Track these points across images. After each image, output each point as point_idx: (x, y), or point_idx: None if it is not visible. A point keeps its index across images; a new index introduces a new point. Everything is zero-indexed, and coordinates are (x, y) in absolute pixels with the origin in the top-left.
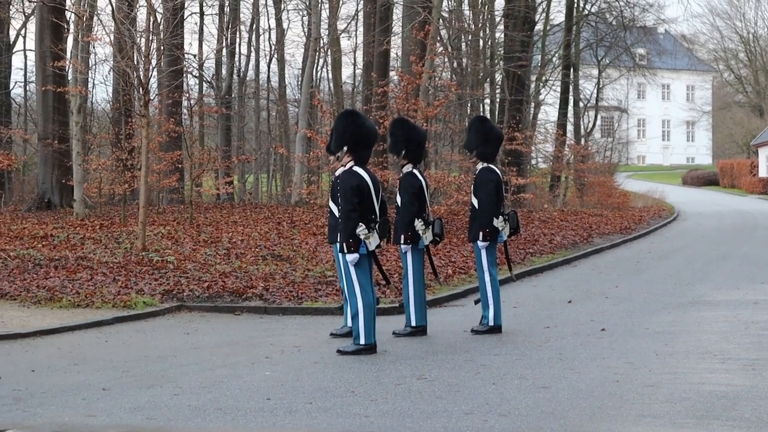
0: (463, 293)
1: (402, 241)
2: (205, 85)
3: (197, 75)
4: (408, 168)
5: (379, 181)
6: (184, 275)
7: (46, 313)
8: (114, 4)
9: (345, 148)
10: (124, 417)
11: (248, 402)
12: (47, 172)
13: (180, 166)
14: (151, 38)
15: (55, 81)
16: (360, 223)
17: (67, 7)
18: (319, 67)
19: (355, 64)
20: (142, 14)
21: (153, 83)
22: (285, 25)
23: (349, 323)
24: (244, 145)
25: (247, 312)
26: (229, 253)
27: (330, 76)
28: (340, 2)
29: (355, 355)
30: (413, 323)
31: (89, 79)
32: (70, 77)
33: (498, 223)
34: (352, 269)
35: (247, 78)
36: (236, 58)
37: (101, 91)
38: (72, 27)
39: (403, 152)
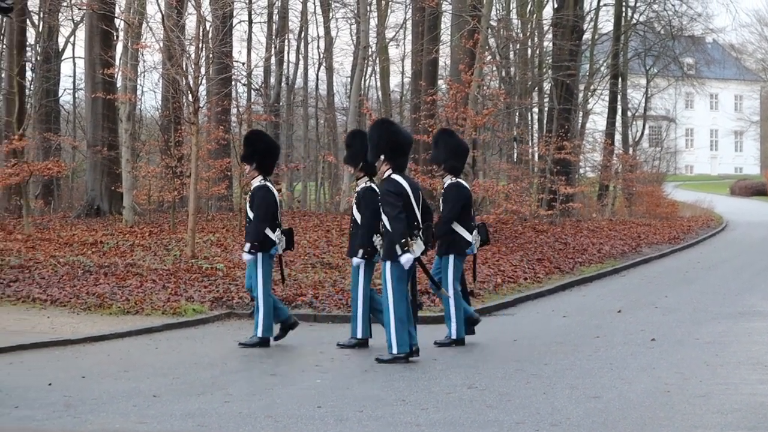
0: (513, 302)
1: (360, 256)
2: (253, 92)
3: (246, 83)
4: (365, 181)
5: (420, 188)
6: (234, 282)
7: (96, 319)
8: (163, 12)
9: (382, 157)
10: (175, 424)
11: (299, 410)
12: (96, 179)
13: (229, 173)
14: (200, 46)
15: (105, 88)
16: (394, 240)
17: (116, 15)
18: (367, 76)
19: (403, 73)
20: (191, 22)
21: (202, 91)
22: (333, 34)
23: (358, 334)
24: (292, 153)
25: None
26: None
27: (378, 84)
28: (389, 11)
29: (392, 363)
30: (358, 335)
31: (138, 86)
32: (119, 84)
33: (470, 236)
34: (389, 278)
35: (296, 86)
36: (285, 66)
37: (150, 98)
38: (121, 34)
39: (360, 164)
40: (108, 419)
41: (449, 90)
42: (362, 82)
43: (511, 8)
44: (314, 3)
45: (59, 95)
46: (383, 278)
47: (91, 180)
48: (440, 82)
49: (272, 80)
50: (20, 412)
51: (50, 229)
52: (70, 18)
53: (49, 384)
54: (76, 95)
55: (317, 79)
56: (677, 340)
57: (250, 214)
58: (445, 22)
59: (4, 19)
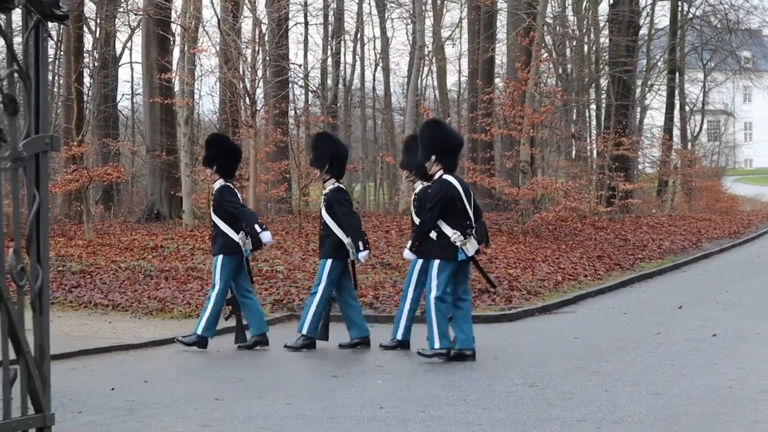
0: (573, 300)
1: (362, 248)
2: (311, 94)
3: (303, 85)
4: (332, 183)
5: (470, 187)
6: (294, 285)
7: (158, 323)
8: (220, 16)
9: (433, 158)
10: (238, 427)
11: (361, 411)
12: (156, 183)
13: (288, 175)
14: (257, 49)
15: (162, 93)
16: (455, 230)
17: (172, 20)
18: (424, 75)
19: (460, 72)
20: (247, 25)
21: (259, 94)
22: (389, 34)
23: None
24: (350, 153)
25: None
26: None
27: (435, 83)
28: (445, 10)
29: (431, 357)
30: (304, 332)
31: (196, 90)
32: (176, 89)
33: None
34: (434, 275)
35: (353, 87)
36: (341, 68)
37: (208, 102)
38: (178, 39)
39: (327, 167)
40: (171, 423)
41: (506, 88)
42: (419, 81)
43: (566, 5)
44: (370, 4)
45: (117, 101)
46: (429, 275)
47: (150, 185)
48: (497, 80)
49: (329, 82)
50: (83, 417)
51: (111, 234)
52: (127, 24)
53: (112, 389)
54: (134, 100)
55: (374, 79)
56: (739, 335)
57: (214, 218)
58: (501, 20)
59: (61, 27)
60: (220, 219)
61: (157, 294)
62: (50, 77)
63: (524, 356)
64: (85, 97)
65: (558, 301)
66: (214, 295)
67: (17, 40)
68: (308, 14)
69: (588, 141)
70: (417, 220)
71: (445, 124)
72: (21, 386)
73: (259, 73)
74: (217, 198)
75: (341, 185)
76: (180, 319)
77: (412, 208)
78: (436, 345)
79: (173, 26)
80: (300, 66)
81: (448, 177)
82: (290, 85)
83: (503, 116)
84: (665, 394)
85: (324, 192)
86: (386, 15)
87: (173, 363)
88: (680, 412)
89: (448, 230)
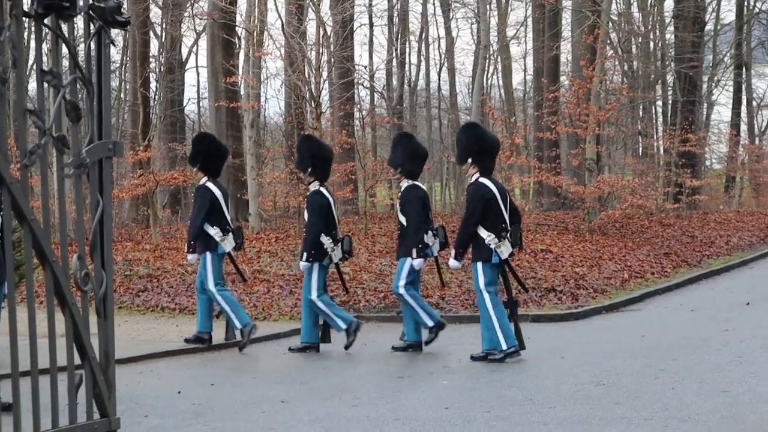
0: (640, 297)
1: (304, 259)
2: (376, 95)
3: (368, 86)
4: (315, 186)
5: (506, 190)
6: (360, 286)
7: (224, 326)
8: (284, 19)
9: (470, 160)
10: (303, 429)
11: (427, 412)
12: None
13: (353, 177)
14: (321, 51)
15: (228, 96)
16: (490, 233)
17: (236, 24)
18: (489, 74)
19: (525, 70)
20: (312, 27)
21: (324, 96)
22: (454, 34)
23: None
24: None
25: None
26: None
27: (501, 83)
28: (509, 9)
29: (500, 362)
30: (306, 339)
31: (261, 93)
32: (242, 92)
33: (428, 238)
34: (481, 278)
35: (418, 87)
36: (406, 68)
37: (274, 105)
38: (243, 42)
39: (310, 169)
40: (236, 426)
41: (571, 86)
42: (484, 81)
43: (631, 2)
44: (434, 4)
45: (184, 105)
46: (475, 280)
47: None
48: (562, 78)
49: (394, 82)
50: (150, 421)
51: (178, 238)
52: (193, 28)
53: (179, 392)
54: (201, 104)
55: (439, 79)
56: None
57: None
58: (566, 18)
59: (127, 32)
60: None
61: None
62: (117, 83)
63: (591, 355)
64: (151, 101)
65: (625, 299)
66: (215, 294)
67: (80, 47)
68: (373, 15)
69: (654, 138)
70: (403, 220)
71: (481, 127)
72: (86, 391)
73: (324, 75)
74: (194, 195)
75: (322, 188)
76: None
77: (397, 208)
78: (503, 346)
79: (238, 30)
80: (365, 67)
81: (484, 180)
82: (355, 86)
83: (568, 115)
84: (732, 391)
85: (307, 195)
86: (451, 15)
87: (240, 365)
88: (747, 410)
89: (483, 232)
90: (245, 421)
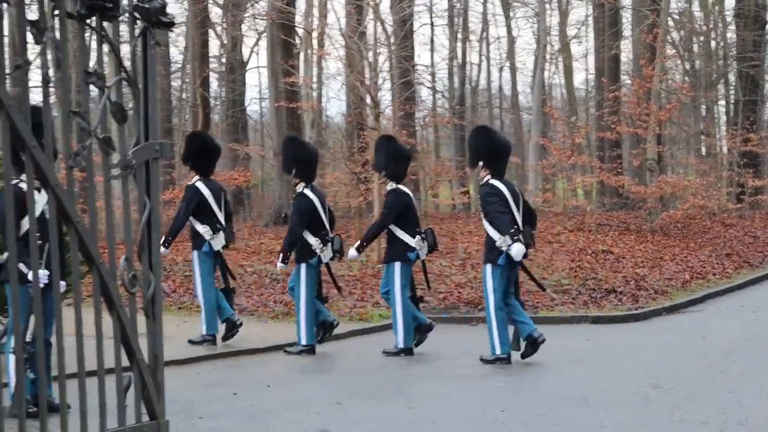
0: (701, 299)
1: (280, 260)
2: (437, 95)
3: (429, 86)
4: (300, 187)
5: (519, 191)
6: (420, 286)
7: (284, 327)
8: (343, 20)
9: (481, 163)
10: (357, 431)
11: (482, 414)
12: (284, 187)
13: (414, 177)
14: (379, 51)
15: (287, 97)
16: (501, 235)
17: (296, 24)
18: (551, 74)
19: (587, 70)
20: (372, 27)
21: (384, 96)
22: (515, 33)
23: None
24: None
25: (482, 322)
26: (464, 264)
27: (562, 82)
28: (569, 8)
29: (494, 363)
30: (303, 342)
31: (322, 93)
32: (302, 93)
33: (416, 242)
34: (489, 279)
35: (479, 87)
36: (467, 68)
37: (336, 105)
38: (302, 43)
39: (294, 171)
40: (290, 427)
41: (631, 86)
42: (546, 80)
43: (692, 1)
44: (494, 3)
45: (246, 105)
46: (484, 280)
47: (279, 188)
48: (623, 77)
49: (455, 82)
50: (205, 423)
51: (238, 239)
52: (254, 28)
53: (235, 393)
54: (262, 105)
55: (500, 79)
56: None
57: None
58: (626, 17)
59: (187, 33)
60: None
61: (283, 298)
62: (179, 83)
63: (649, 356)
64: (211, 102)
65: (686, 300)
66: (199, 294)
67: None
68: (433, 15)
69: (717, 137)
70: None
71: (492, 130)
72: (134, 393)
73: (383, 75)
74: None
75: (307, 190)
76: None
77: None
78: (497, 351)
79: (298, 30)
80: (426, 67)
81: (495, 181)
82: (416, 86)
83: (629, 114)
84: None
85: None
86: (511, 14)
87: (296, 367)
88: None
89: (493, 234)
90: (299, 422)
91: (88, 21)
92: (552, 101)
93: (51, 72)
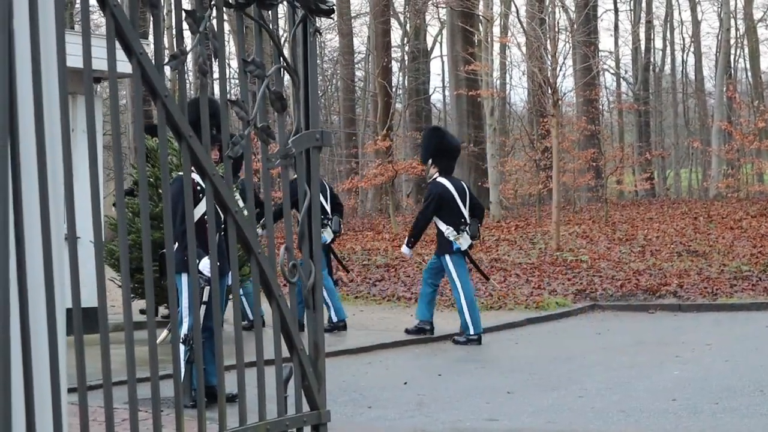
0: None
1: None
2: (621, 81)
3: (613, 72)
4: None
5: (466, 187)
6: (598, 274)
7: (457, 316)
8: (523, 7)
9: (430, 161)
10: (526, 420)
11: (653, 403)
12: (464, 175)
13: (595, 164)
14: (558, 38)
15: (468, 85)
16: (448, 226)
17: (476, 11)
18: (736, 58)
19: None
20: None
21: (565, 82)
22: (699, 17)
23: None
24: (663, 140)
25: (660, 310)
26: (644, 251)
27: (748, 66)
28: None
29: (466, 345)
30: (471, 331)
31: (506, 81)
32: (482, 80)
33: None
34: (452, 268)
35: (664, 72)
36: (651, 53)
37: (519, 92)
38: (482, 30)
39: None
40: (459, 417)
41: None
42: (732, 64)
43: None
44: None
45: (429, 94)
46: (447, 270)
47: (458, 176)
48: None
49: (639, 68)
50: (373, 412)
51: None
52: (437, 17)
53: (405, 383)
54: (445, 93)
55: (684, 64)
56: None
57: None
58: None
59: (370, 24)
60: None
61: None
62: (361, 73)
63: None
64: (391, 91)
65: None
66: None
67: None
68: (618, 1)
69: None
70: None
71: (442, 129)
72: (295, 384)
73: (562, 61)
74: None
75: (440, 179)
76: (482, 310)
77: None
78: (471, 331)
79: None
80: (610, 53)
81: (442, 179)
82: (598, 72)
83: None
84: None
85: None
86: None
87: (469, 355)
88: None
89: (442, 226)
90: (468, 411)
91: (246, 9)
92: (738, 85)
93: (205, 62)
